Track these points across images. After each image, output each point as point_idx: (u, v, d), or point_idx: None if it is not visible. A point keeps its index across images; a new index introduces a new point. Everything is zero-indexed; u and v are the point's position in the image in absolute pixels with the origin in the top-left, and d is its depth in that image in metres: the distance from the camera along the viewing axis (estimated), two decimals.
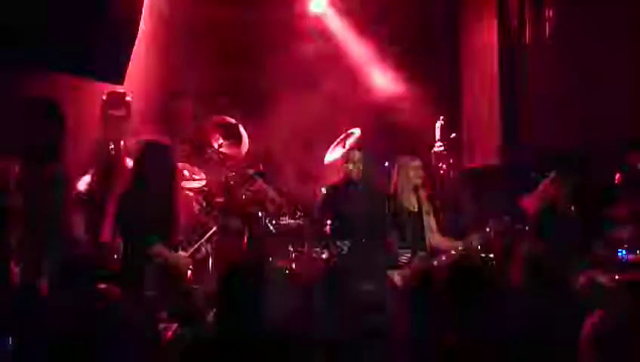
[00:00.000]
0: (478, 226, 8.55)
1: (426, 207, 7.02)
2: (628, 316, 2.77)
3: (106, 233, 6.43)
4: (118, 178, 6.50)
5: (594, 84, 8.43)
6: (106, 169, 6.67)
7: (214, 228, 6.99)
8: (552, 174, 6.88)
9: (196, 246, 6.27)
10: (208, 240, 6.58)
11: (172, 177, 5.97)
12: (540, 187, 6.79)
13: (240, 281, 3.98)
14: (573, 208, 7.26)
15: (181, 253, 5.95)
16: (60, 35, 3.68)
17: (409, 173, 6.91)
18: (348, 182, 7.00)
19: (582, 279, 4.54)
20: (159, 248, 5.56)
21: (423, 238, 6.85)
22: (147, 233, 5.54)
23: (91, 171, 6.74)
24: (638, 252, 7.81)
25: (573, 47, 8.72)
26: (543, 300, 4.01)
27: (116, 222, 5.87)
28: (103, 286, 2.84)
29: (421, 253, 6.69)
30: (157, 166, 5.78)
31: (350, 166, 7.14)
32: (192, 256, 6.15)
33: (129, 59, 3.93)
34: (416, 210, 6.90)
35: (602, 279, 4.67)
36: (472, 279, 3.33)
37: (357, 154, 7.11)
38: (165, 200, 5.76)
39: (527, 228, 6.75)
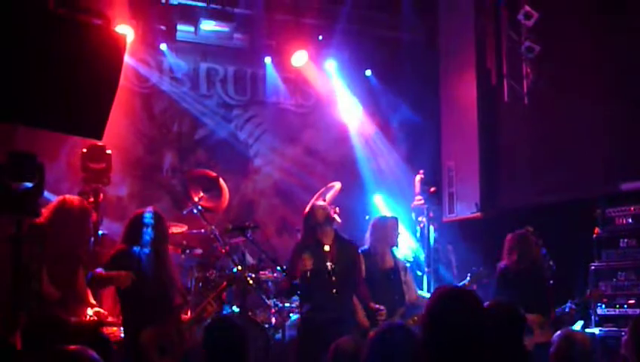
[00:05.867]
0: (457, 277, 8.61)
1: (402, 263, 6.99)
2: None
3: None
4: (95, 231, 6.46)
5: (568, 141, 8.55)
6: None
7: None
8: (527, 230, 6.95)
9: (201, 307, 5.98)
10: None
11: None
12: (508, 244, 6.88)
13: (221, 336, 3.98)
14: (552, 263, 7.32)
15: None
16: (42, 92, 3.73)
17: (385, 231, 6.89)
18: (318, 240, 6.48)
19: (558, 335, 4.51)
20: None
21: (401, 295, 6.80)
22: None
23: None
24: (617, 306, 7.87)
25: (548, 104, 8.86)
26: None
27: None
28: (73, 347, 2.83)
29: (400, 309, 6.66)
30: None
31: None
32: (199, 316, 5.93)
33: (108, 116, 3.97)
34: (392, 266, 6.84)
35: (579, 335, 4.65)
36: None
37: (321, 212, 6.32)
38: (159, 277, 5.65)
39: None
